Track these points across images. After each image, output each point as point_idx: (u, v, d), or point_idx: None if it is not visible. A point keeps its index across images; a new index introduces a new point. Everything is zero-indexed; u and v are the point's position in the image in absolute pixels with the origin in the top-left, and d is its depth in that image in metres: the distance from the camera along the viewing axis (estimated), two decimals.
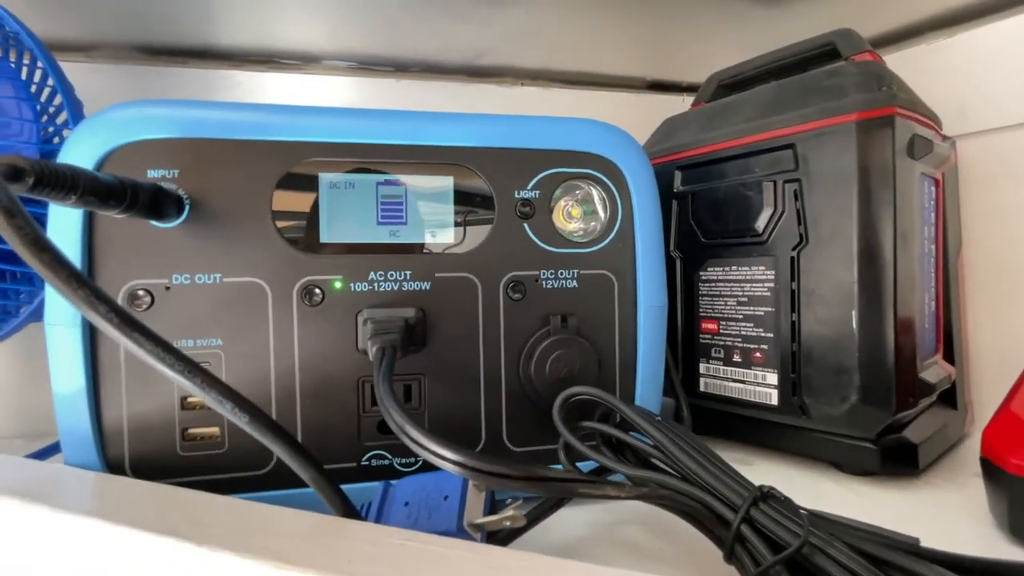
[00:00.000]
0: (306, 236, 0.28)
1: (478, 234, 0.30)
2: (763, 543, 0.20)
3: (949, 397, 0.39)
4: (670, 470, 0.23)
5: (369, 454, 0.29)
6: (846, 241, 0.32)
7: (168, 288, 0.27)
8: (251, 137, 0.28)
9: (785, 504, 0.21)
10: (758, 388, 0.36)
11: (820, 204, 0.33)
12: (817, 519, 0.21)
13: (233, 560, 0.16)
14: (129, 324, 0.17)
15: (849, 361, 0.32)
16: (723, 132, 0.38)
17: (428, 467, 0.23)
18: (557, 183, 0.31)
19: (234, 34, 0.48)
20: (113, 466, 0.26)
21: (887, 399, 0.32)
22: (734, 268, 0.38)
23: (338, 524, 0.19)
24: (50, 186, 0.20)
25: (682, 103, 0.62)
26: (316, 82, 0.54)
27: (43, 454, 0.34)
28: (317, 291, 0.28)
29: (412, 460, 0.29)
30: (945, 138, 0.39)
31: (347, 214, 0.29)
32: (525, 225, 0.30)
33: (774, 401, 0.36)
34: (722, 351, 0.38)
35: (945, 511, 0.30)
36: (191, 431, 0.27)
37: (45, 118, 0.36)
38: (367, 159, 0.29)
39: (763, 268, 0.36)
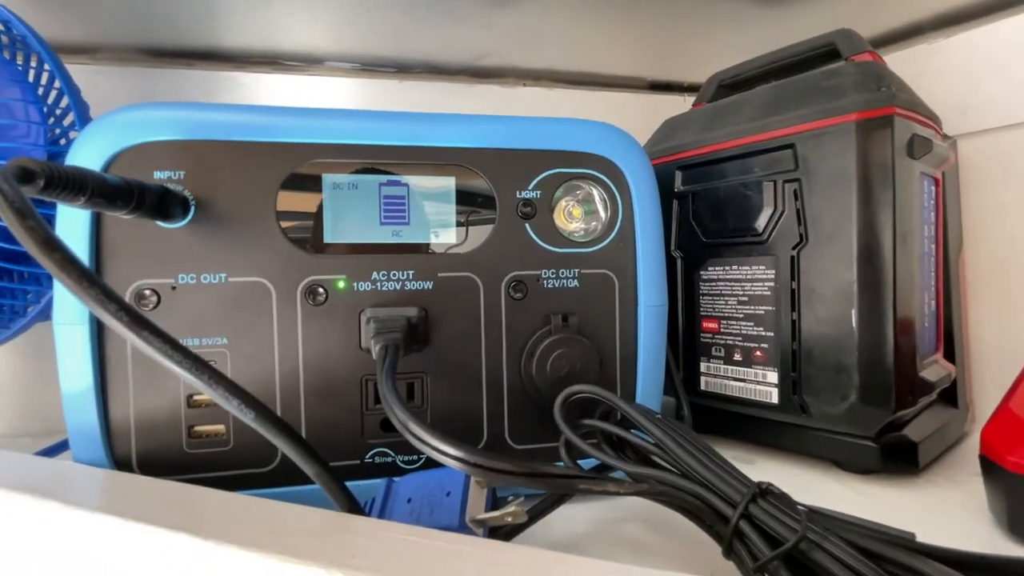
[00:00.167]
0: (310, 236, 0.28)
1: (480, 234, 0.30)
2: (761, 538, 0.20)
3: (950, 396, 0.39)
4: (670, 467, 0.24)
5: (372, 452, 0.29)
6: (846, 240, 0.33)
7: (174, 288, 0.27)
8: (255, 139, 0.28)
9: (783, 500, 0.21)
10: (759, 387, 0.37)
11: (820, 204, 0.34)
12: (815, 515, 0.21)
13: (239, 554, 0.16)
14: (139, 322, 0.18)
15: (849, 360, 0.33)
16: (723, 132, 0.38)
17: (430, 464, 0.23)
18: (558, 183, 0.31)
19: (238, 36, 0.48)
20: (121, 463, 0.27)
21: (887, 398, 0.32)
22: (734, 267, 0.38)
23: (342, 519, 0.20)
24: (60, 188, 0.20)
25: (683, 103, 0.62)
26: (319, 83, 0.55)
27: (52, 451, 0.34)
28: (321, 290, 0.28)
29: (415, 458, 0.30)
30: (945, 137, 0.39)
31: (350, 214, 0.29)
32: (526, 225, 0.31)
33: (774, 400, 0.36)
34: (723, 350, 0.39)
35: (945, 509, 0.30)
36: (197, 429, 0.27)
37: (52, 120, 0.37)
38: (370, 160, 0.29)
39: (763, 267, 0.36)
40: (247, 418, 0.20)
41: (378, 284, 0.29)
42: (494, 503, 0.23)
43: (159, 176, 0.27)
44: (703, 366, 0.40)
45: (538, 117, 0.32)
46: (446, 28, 0.48)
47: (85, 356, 0.26)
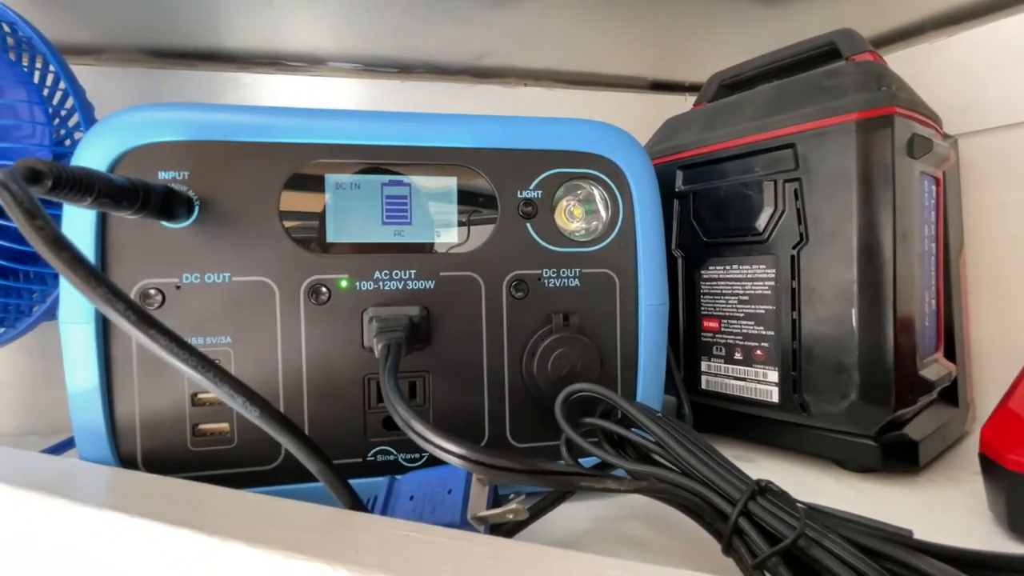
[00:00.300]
0: (313, 236, 0.29)
1: (481, 233, 0.30)
2: (760, 535, 0.20)
3: (951, 395, 0.39)
4: (671, 465, 0.24)
5: (375, 450, 0.29)
6: (846, 240, 0.33)
7: (179, 287, 0.27)
8: (259, 139, 0.28)
9: (782, 498, 0.21)
10: (759, 386, 0.37)
11: (820, 203, 0.34)
12: (813, 512, 0.21)
13: (244, 550, 0.16)
14: (145, 321, 0.18)
15: (849, 359, 0.33)
16: (724, 132, 0.39)
17: (432, 463, 0.23)
18: (559, 183, 0.31)
19: (240, 37, 0.49)
20: (126, 461, 0.27)
21: (887, 396, 0.32)
22: (735, 267, 0.38)
23: (346, 516, 0.20)
24: (67, 188, 0.20)
25: (684, 103, 0.62)
26: (321, 84, 0.55)
27: (58, 449, 0.35)
28: (324, 290, 0.28)
29: (417, 456, 0.30)
30: (946, 137, 0.39)
31: (353, 214, 0.29)
32: (528, 225, 0.31)
33: (775, 399, 0.36)
34: (723, 349, 0.39)
35: (945, 507, 0.30)
36: (201, 427, 0.28)
37: (57, 121, 0.37)
38: (372, 160, 0.29)
39: (764, 267, 0.36)
40: (252, 415, 0.20)
41: (380, 283, 0.29)
42: (495, 501, 0.24)
43: (164, 176, 0.27)
44: (704, 365, 0.40)
45: (539, 117, 0.32)
46: (447, 28, 0.48)
47: (91, 355, 0.26)
